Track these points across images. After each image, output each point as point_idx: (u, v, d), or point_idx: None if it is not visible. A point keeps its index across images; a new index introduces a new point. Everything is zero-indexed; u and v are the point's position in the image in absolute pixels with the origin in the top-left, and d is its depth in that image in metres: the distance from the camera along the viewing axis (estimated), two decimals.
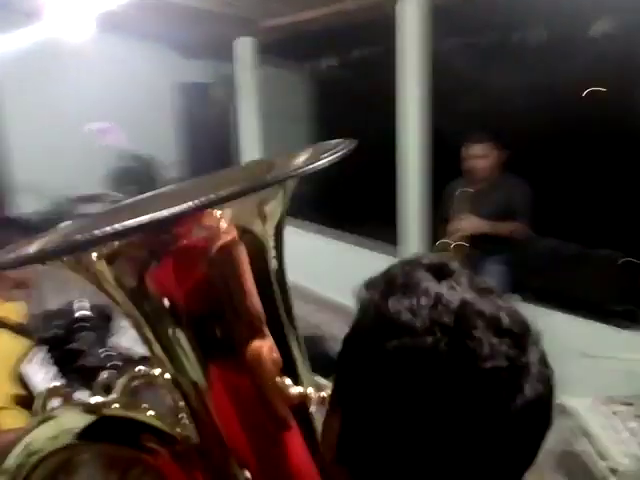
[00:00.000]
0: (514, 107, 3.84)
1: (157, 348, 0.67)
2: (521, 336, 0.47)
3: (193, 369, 0.67)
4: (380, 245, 4.07)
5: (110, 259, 0.61)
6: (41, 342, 1.58)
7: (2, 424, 1.30)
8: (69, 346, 1.63)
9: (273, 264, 0.72)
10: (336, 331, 3.81)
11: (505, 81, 3.66)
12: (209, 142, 7.07)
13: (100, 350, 1.67)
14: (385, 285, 0.51)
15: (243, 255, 0.65)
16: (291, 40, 5.03)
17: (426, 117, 3.55)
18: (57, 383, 1.54)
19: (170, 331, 0.65)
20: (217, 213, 0.62)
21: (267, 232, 0.70)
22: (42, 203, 5.87)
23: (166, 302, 0.65)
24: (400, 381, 0.46)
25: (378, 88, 4.05)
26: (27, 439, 0.67)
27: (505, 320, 0.47)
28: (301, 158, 0.73)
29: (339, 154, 0.63)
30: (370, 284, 0.53)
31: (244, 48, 5.00)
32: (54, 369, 1.58)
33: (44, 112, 6.04)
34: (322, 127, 7.94)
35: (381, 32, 3.50)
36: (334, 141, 0.70)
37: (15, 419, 1.31)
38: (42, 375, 1.53)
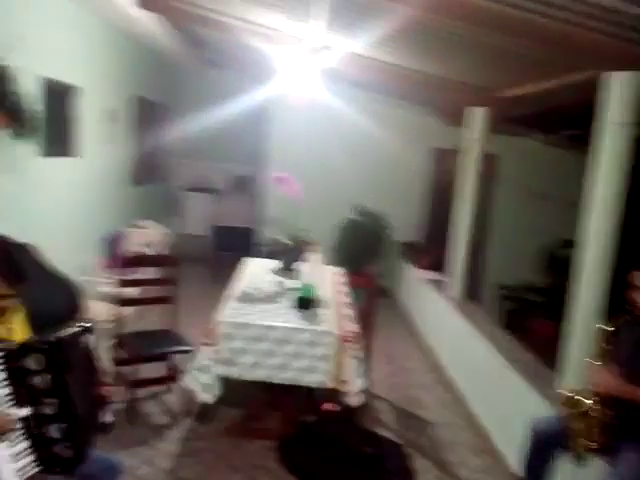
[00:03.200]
0: None
1: None
2: None
3: None
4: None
5: None
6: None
7: None
8: (22, 362, 1.66)
9: None
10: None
11: None
12: (442, 210, 6.80)
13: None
14: None
15: None
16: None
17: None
18: None
19: None
20: None
21: None
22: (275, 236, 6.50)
23: None
24: None
25: None
26: None
27: None
28: None
29: None
30: None
31: (471, 116, 4.75)
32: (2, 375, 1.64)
33: (290, 159, 6.73)
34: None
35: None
36: None
37: None
38: None
